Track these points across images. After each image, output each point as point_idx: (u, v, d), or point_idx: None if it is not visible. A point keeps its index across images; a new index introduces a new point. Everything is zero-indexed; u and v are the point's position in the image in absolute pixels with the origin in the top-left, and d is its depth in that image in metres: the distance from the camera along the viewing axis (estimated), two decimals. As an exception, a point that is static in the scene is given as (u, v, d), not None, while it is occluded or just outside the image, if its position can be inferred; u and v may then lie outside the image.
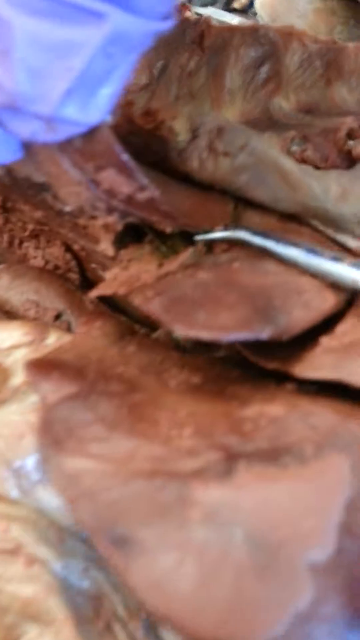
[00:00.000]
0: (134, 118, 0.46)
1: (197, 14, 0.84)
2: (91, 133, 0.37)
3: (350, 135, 0.58)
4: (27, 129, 0.35)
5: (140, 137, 0.47)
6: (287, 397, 0.34)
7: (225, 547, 0.26)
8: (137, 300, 0.38)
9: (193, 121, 0.56)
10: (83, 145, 0.38)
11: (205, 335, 0.34)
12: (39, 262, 0.50)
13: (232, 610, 0.25)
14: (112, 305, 0.47)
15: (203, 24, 0.61)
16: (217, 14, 0.88)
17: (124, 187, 0.39)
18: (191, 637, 0.26)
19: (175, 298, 0.36)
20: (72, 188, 0.40)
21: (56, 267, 0.50)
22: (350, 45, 0.67)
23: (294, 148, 0.56)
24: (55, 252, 0.50)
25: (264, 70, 0.63)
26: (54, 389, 0.34)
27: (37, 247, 0.50)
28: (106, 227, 0.42)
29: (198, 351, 0.43)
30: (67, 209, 0.42)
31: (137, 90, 0.54)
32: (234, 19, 0.87)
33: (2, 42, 0.32)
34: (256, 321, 0.35)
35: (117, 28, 0.32)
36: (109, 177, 0.38)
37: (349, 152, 0.57)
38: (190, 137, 0.45)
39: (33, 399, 0.38)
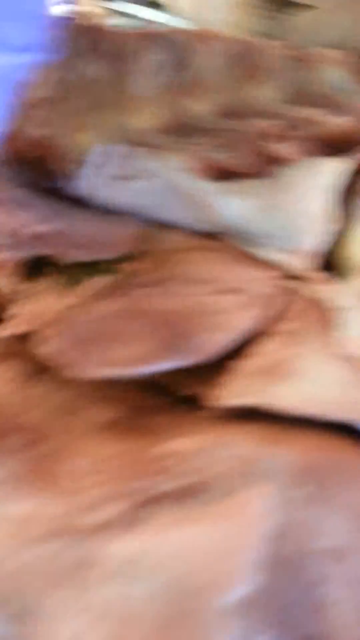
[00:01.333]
0: (20, 148, 0.43)
1: (110, 9, 0.81)
2: None
3: (271, 138, 0.56)
4: None
5: (28, 166, 0.44)
6: (205, 427, 0.31)
7: (129, 606, 0.24)
8: (35, 343, 0.35)
9: (101, 136, 0.53)
10: None
11: (104, 375, 0.32)
12: None
13: None
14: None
15: (95, 30, 0.57)
16: (133, 9, 0.85)
17: (6, 224, 0.36)
18: None
19: (73, 336, 0.34)
20: None
21: None
22: (265, 42, 0.65)
23: (214, 156, 0.54)
24: None
25: (173, 73, 0.60)
26: None
27: None
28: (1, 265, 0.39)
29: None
30: None
31: (37, 104, 0.51)
32: (147, 12, 0.84)
33: None
34: (158, 353, 0.32)
35: None
36: None
37: (271, 157, 0.54)
38: (80, 161, 0.42)
39: None
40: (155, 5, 0.86)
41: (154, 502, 0.27)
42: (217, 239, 0.43)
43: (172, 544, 0.25)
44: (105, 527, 0.26)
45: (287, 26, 0.76)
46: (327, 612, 0.25)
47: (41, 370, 0.38)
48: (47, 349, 0.33)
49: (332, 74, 0.54)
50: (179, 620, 0.23)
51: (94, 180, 0.41)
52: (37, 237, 0.36)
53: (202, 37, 0.60)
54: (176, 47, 0.58)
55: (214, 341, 0.33)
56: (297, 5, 0.77)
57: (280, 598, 0.25)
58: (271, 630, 0.24)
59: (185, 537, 0.25)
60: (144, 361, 0.32)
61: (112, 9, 0.78)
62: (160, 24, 0.79)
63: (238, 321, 0.35)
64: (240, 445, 0.29)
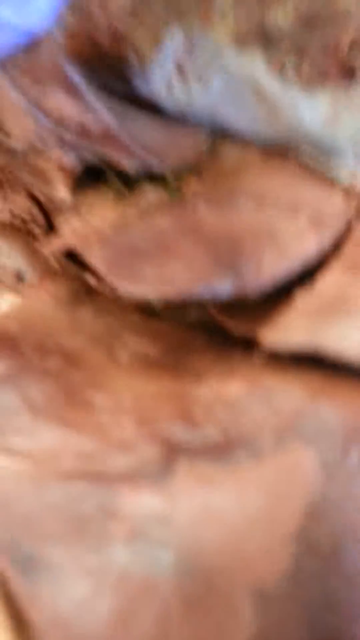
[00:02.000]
0: (94, 37, 0.40)
1: None
2: (34, 46, 0.31)
3: (352, 47, 0.51)
4: None
5: (101, 59, 0.40)
6: (250, 371, 0.29)
7: (150, 574, 0.22)
8: (85, 255, 0.33)
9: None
10: (25, 61, 0.32)
11: (151, 293, 0.29)
12: (4, 215, 0.45)
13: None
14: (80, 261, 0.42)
15: None
16: None
17: (75, 114, 0.33)
18: None
19: (121, 250, 0.31)
20: (18, 119, 0.34)
21: (23, 221, 0.45)
22: None
23: (288, 65, 0.50)
24: (20, 201, 0.44)
25: (257, -22, 0.56)
26: (-18, 367, 0.29)
27: (1, 198, 0.45)
28: (62, 167, 0.36)
29: (169, 314, 0.38)
30: (19, 146, 0.37)
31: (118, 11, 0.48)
32: None
33: None
34: (215, 273, 0.29)
35: None
36: (58, 101, 0.32)
37: (351, 68, 0.50)
38: (154, 56, 0.38)
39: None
40: None
41: (187, 453, 0.25)
42: (285, 152, 0.40)
43: (204, 506, 0.23)
44: (134, 474, 0.24)
45: None
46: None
47: (86, 291, 0.36)
48: (95, 261, 0.30)
49: None
50: (203, 602, 0.21)
51: (174, 76, 0.38)
52: (105, 136, 0.33)
53: None
54: None
55: (275, 266, 0.30)
56: None
57: (307, 592, 0.22)
58: (294, 632, 0.21)
59: (218, 500, 0.23)
60: (199, 280, 0.29)
61: None
62: None
63: (301, 246, 0.32)
64: (282, 396, 0.26)
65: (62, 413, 0.27)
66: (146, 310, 0.37)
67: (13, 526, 0.23)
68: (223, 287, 0.28)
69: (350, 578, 0.22)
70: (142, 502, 0.23)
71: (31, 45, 0.31)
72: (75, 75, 0.32)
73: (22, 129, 0.35)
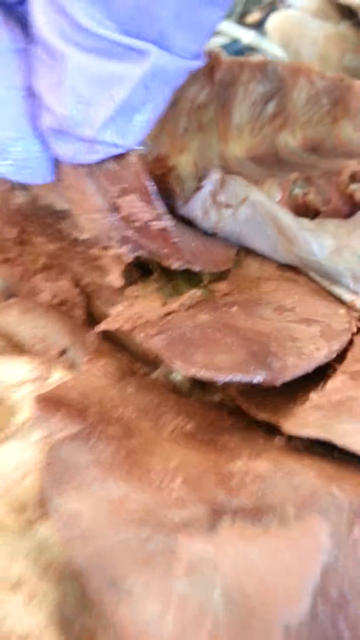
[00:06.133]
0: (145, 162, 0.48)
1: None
2: (123, 157, 0.39)
3: (353, 178, 0.60)
4: (70, 150, 0.39)
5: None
6: (273, 453, 0.36)
7: (204, 602, 0.29)
8: (139, 337, 0.41)
9: (199, 159, 0.58)
10: (113, 167, 0.40)
11: (202, 374, 0.37)
12: (46, 296, 0.52)
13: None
14: (114, 342, 0.50)
15: (213, 58, 0.62)
16: (230, 28, 0.89)
17: (142, 214, 0.41)
18: None
19: (175, 337, 0.39)
20: (92, 215, 0.42)
21: (62, 302, 0.52)
22: (358, 83, 0.69)
23: (297, 191, 0.58)
24: (64, 286, 0.51)
25: (271, 105, 0.65)
26: (60, 427, 0.36)
27: (46, 280, 0.52)
28: (117, 258, 0.44)
29: (194, 394, 0.46)
30: (83, 237, 0.44)
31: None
32: (247, 34, 0.88)
33: (57, 73, 0.36)
34: (251, 364, 0.37)
35: (156, 64, 0.36)
36: (131, 202, 0.41)
37: (351, 197, 0.58)
38: (195, 188, 0.47)
39: (36, 436, 0.40)
40: (249, 26, 0.90)
41: (227, 513, 0.32)
42: (295, 270, 0.48)
43: (242, 555, 0.30)
44: (188, 526, 0.31)
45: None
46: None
47: (131, 371, 0.44)
48: (151, 343, 0.38)
49: None
50: (245, 626, 0.28)
51: (209, 205, 0.46)
52: (162, 237, 0.41)
53: (300, 71, 0.64)
54: (278, 79, 0.62)
55: (297, 366, 0.38)
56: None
57: (322, 635, 0.29)
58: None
59: (255, 553, 0.30)
60: (239, 370, 0.37)
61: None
62: (260, 51, 0.83)
63: (316, 351, 0.40)
64: (301, 476, 0.34)
65: (126, 470, 0.34)
66: (178, 390, 0.45)
67: (96, 556, 0.30)
68: (257, 377, 0.37)
69: (354, 624, 0.30)
70: (196, 547, 0.30)
71: (120, 156, 0.39)
72: (150, 182, 0.40)
73: (93, 224, 0.43)
